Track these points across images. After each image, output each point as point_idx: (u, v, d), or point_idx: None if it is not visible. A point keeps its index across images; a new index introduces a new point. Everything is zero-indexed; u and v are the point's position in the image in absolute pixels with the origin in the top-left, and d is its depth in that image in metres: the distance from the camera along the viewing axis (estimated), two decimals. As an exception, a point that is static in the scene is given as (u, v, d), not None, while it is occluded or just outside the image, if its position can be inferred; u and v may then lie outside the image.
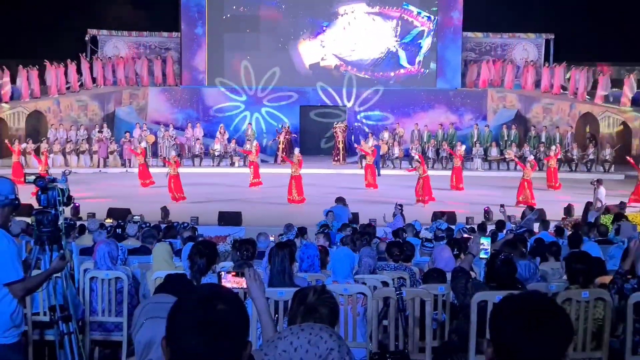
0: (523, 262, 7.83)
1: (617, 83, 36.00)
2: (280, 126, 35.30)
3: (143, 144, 30.49)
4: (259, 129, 35.97)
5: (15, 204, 5.28)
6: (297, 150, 26.58)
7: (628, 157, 28.20)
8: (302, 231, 14.30)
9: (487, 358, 2.57)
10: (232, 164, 32.95)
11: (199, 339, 2.43)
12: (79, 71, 36.07)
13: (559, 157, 29.16)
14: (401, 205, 18.91)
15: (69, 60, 35.74)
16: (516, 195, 24.18)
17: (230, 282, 4.26)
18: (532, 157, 27.97)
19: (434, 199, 23.86)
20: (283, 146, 34.20)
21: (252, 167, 27.66)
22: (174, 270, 7.22)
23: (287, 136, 34.94)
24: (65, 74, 35.61)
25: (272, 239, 12.81)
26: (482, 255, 7.35)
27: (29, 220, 10.60)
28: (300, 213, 21.00)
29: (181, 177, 24.74)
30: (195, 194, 25.36)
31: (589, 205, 20.44)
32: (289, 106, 37.03)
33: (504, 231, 15.60)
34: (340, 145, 33.90)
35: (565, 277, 7.02)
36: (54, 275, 5.61)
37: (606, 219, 19.77)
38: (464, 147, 30.12)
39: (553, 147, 30.47)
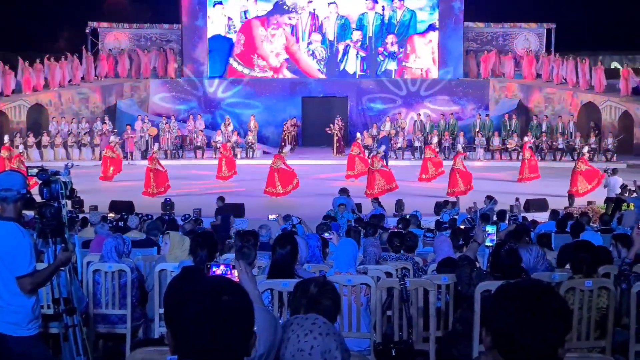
0: (530, 247, 7.81)
1: (618, 72, 35.94)
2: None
3: (113, 139, 30.45)
4: (261, 120, 35.87)
5: (27, 198, 5.34)
6: (287, 148, 26.08)
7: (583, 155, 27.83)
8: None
9: (485, 347, 2.57)
10: (235, 156, 32.91)
11: (204, 330, 2.43)
12: (80, 64, 36.03)
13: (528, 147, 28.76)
14: (377, 199, 19.37)
15: (69, 54, 35.73)
16: (448, 185, 23.83)
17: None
18: (460, 147, 28.08)
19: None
20: (288, 137, 34.27)
21: (223, 160, 27.65)
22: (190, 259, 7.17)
23: (292, 128, 35.02)
24: (70, 67, 35.59)
25: (276, 218, 12.76)
26: (487, 243, 7.35)
27: (32, 213, 10.60)
28: (304, 204, 20.98)
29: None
30: (197, 186, 25.36)
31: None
32: (290, 96, 37.03)
33: (506, 221, 15.63)
34: (336, 138, 33.88)
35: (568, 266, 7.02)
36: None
37: (604, 208, 19.74)
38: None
39: (526, 138, 30.58)
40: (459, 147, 28.09)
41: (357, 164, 27.08)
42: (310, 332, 3.59)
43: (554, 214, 16.54)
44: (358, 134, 30.17)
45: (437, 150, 28.81)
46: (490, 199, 18.97)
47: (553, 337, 2.47)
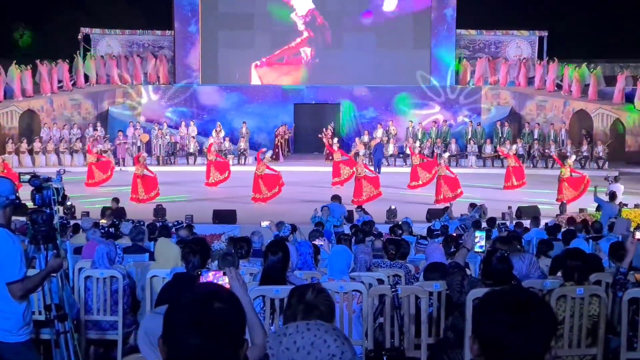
0: (522, 254, 7.80)
1: (610, 80, 36.05)
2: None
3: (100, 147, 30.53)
4: (253, 126, 35.85)
5: (17, 204, 5.33)
6: (269, 153, 26.47)
7: (553, 155, 28.06)
8: (294, 228, 14.24)
9: (473, 354, 2.58)
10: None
11: (196, 337, 2.42)
12: (71, 70, 36.01)
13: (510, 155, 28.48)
14: (361, 207, 19.59)
15: (60, 60, 35.70)
16: (435, 193, 23.79)
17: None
18: (447, 154, 28.49)
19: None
20: (280, 144, 34.33)
21: (211, 166, 27.49)
22: (180, 265, 7.16)
23: (285, 135, 35.08)
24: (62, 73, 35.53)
25: (269, 226, 12.75)
26: (476, 249, 7.34)
27: (23, 219, 10.60)
28: (296, 211, 20.96)
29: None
30: (190, 192, 25.33)
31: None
32: (283, 103, 37.02)
33: (495, 228, 15.66)
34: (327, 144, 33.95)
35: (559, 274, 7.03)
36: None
37: (599, 215, 19.75)
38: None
39: (514, 147, 30.68)
40: (446, 154, 28.19)
41: (342, 170, 27.12)
42: (337, 338, 3.62)
43: (535, 220, 16.57)
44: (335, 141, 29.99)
45: (420, 152, 28.77)
46: (473, 206, 18.95)
47: (539, 343, 2.48)
